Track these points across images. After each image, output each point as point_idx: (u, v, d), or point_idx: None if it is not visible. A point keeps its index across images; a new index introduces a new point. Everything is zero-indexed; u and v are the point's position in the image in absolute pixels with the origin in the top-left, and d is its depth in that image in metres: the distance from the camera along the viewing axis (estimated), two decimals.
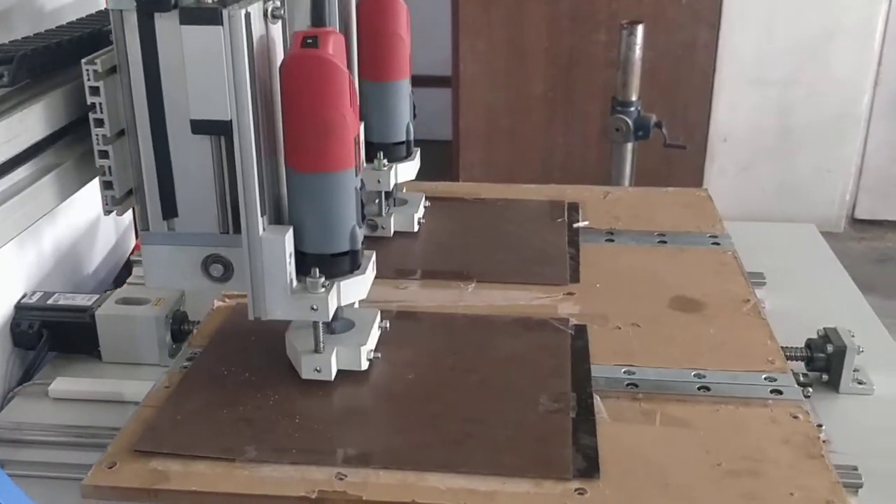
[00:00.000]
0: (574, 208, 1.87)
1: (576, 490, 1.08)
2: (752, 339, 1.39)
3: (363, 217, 1.21)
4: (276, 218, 1.20)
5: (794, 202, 4.78)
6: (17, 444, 1.33)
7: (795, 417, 1.21)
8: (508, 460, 1.12)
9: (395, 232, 1.69)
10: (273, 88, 1.15)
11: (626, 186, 2.01)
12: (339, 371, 1.26)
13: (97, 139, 1.12)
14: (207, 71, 1.07)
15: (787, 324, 1.54)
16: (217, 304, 1.49)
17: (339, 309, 1.25)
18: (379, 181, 1.59)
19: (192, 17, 1.05)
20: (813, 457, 1.14)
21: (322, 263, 1.19)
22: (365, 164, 1.59)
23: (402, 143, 1.63)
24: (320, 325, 1.21)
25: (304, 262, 1.19)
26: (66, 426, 1.36)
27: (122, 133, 1.15)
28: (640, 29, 3.68)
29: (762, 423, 1.20)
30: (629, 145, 3.80)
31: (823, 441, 1.32)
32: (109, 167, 1.14)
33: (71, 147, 1.13)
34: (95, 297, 1.56)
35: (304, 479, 1.10)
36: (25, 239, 1.58)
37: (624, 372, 1.31)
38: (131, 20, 1.08)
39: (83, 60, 1.09)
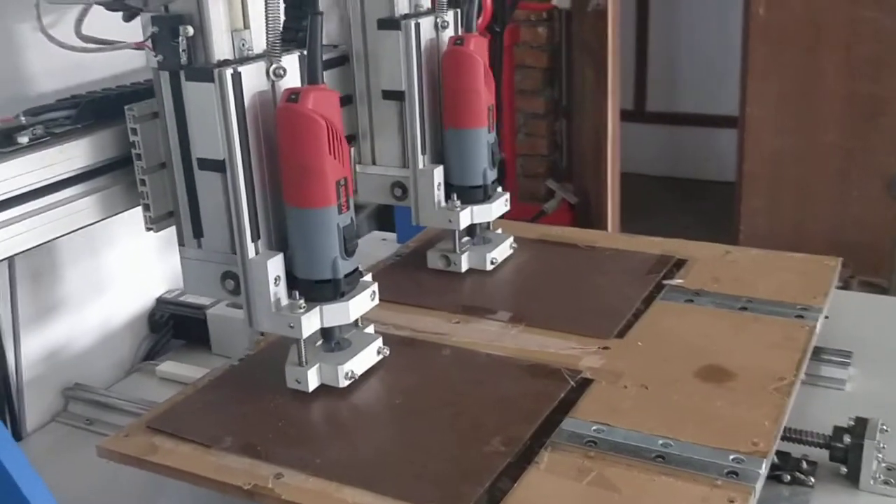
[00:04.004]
0: (679, 265, 1.84)
1: None
2: (754, 417, 1.33)
3: (347, 250, 1.35)
4: (279, 244, 1.38)
5: None
6: (108, 409, 1.64)
7: (731, 501, 1.17)
8: (420, 488, 1.21)
9: (469, 269, 1.80)
10: None
11: (753, 248, 1.92)
12: (325, 386, 1.42)
13: (137, 170, 1.39)
14: (205, 118, 1.29)
15: (857, 409, 1.43)
16: None
17: (336, 329, 1.42)
18: (450, 220, 1.71)
19: (193, 75, 1.28)
20: None
21: (307, 288, 1.36)
22: (442, 204, 1.73)
23: (479, 187, 1.73)
24: (302, 341, 1.38)
25: (295, 286, 1.36)
26: (150, 401, 1.64)
27: (163, 165, 1.40)
28: None
29: (690, 501, 1.17)
30: None
31: None
32: (147, 193, 1.40)
33: (129, 175, 1.41)
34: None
35: (250, 472, 1.27)
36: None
37: (593, 429, 1.32)
38: (165, 75, 1.33)
39: (126, 107, 1.36)
